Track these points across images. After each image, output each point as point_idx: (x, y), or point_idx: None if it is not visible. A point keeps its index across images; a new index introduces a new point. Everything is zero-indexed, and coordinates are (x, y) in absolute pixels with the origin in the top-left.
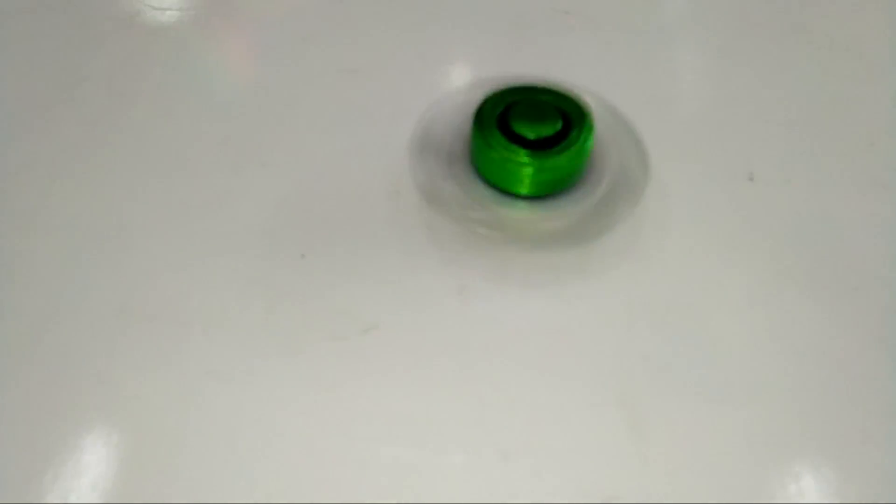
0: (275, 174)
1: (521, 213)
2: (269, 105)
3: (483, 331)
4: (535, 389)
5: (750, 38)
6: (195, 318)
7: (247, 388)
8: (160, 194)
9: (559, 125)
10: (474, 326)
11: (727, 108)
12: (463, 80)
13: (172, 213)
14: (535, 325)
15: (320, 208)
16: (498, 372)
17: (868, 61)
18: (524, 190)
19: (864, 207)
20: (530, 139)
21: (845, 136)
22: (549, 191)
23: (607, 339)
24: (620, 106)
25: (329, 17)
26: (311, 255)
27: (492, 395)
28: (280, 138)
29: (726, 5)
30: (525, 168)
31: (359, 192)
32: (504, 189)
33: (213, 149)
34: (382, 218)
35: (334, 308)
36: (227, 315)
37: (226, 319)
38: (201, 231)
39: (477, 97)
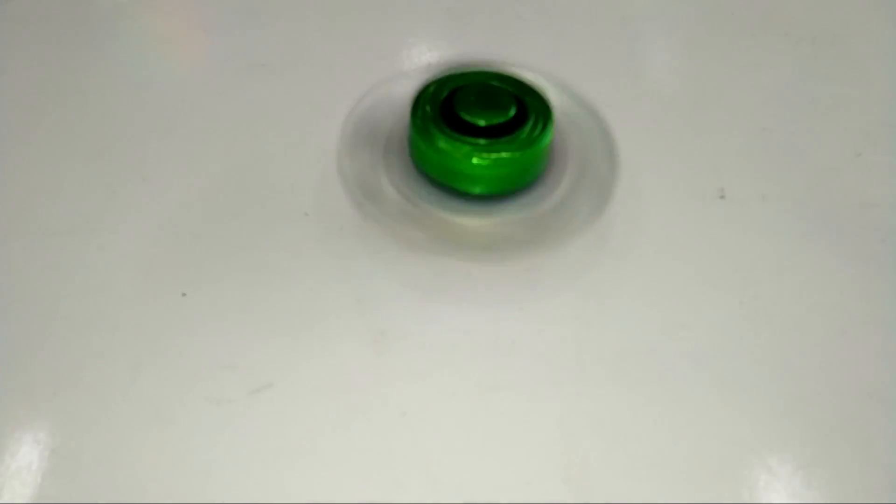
0: (157, 191)
1: (469, 217)
2: (155, 106)
3: (407, 385)
4: (467, 452)
5: (723, 28)
6: (41, 380)
7: (99, 470)
8: (10, 215)
9: (513, 111)
10: (395, 382)
11: (700, 96)
12: (399, 69)
13: (24, 242)
14: (476, 354)
15: (212, 231)
16: (423, 438)
17: (855, 58)
18: (473, 188)
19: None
20: (480, 127)
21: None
22: (501, 189)
23: (559, 378)
24: (584, 95)
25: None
26: (195, 293)
27: (414, 472)
28: (168, 146)
29: None
30: (473, 161)
31: (265, 209)
32: (449, 187)
33: (82, 162)
34: (294, 241)
35: (218, 362)
36: (81, 376)
37: (79, 381)
38: (59, 266)
39: (417, 86)
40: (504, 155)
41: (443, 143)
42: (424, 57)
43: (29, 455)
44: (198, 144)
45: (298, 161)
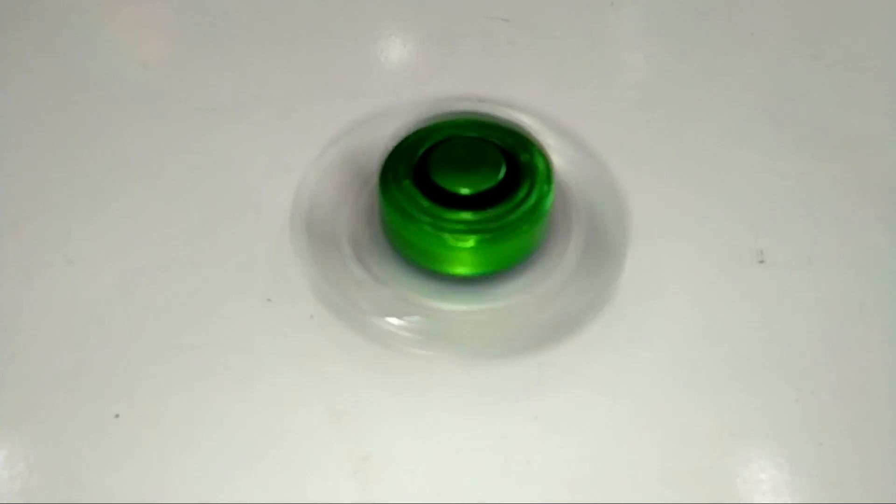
0: (83, 275)
1: (455, 305)
2: (83, 163)
3: None
4: None
5: (745, 55)
6: None
7: None
8: None
9: (502, 172)
10: None
11: (721, 136)
12: (370, 110)
13: None
14: (484, 477)
15: (152, 325)
16: None
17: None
18: (458, 270)
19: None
20: (463, 196)
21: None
22: (493, 268)
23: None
24: (585, 138)
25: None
26: (129, 412)
27: None
28: (97, 215)
29: (696, 9)
30: (456, 245)
31: (216, 294)
32: (430, 269)
33: None
34: (251, 335)
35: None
36: None
37: None
38: None
39: (387, 133)
40: (493, 233)
41: (416, 227)
42: (400, 94)
43: None
44: (134, 211)
45: (255, 229)
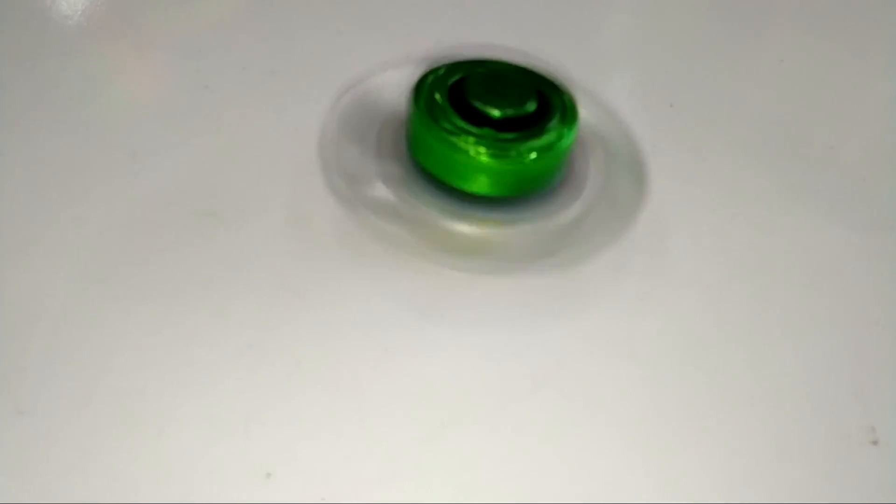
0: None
1: (473, 223)
2: (113, 98)
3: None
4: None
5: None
6: None
7: None
8: None
9: (532, 106)
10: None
11: (747, 119)
12: (400, 55)
13: None
14: (486, 382)
15: (173, 265)
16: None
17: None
18: (479, 188)
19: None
20: (493, 118)
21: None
22: (513, 192)
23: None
24: (612, 104)
25: None
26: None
27: None
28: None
29: None
30: (482, 156)
31: (236, 212)
32: (452, 186)
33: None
34: (273, 251)
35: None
36: None
37: None
38: None
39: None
40: (516, 153)
41: (445, 131)
42: (432, 42)
43: None
44: (162, 84)
45: (277, 150)
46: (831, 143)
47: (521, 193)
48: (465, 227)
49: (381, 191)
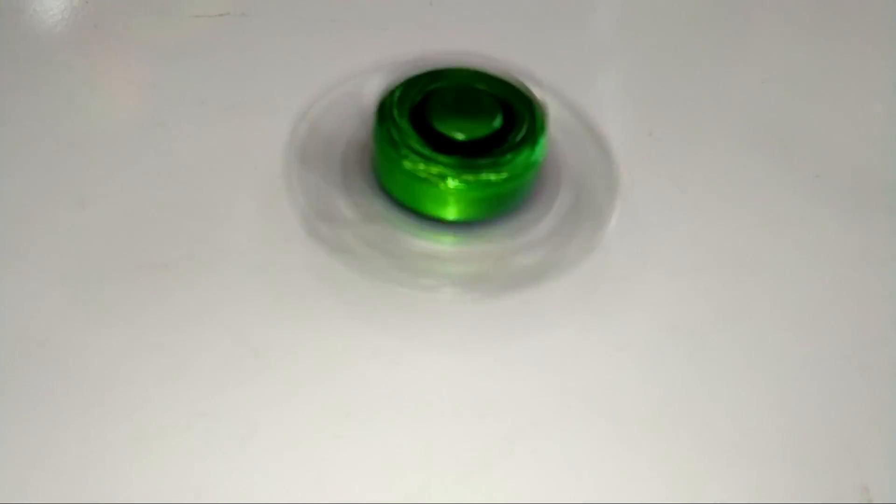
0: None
1: (443, 247)
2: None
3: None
4: None
5: (739, 32)
6: None
7: None
8: None
9: (498, 122)
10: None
11: (721, 116)
12: (362, 62)
13: None
14: (449, 412)
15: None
16: None
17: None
18: (448, 214)
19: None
20: (458, 141)
21: None
22: (481, 215)
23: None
24: (578, 99)
25: None
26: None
27: None
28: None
29: None
30: (449, 184)
31: (191, 262)
32: (420, 212)
33: None
34: (240, 266)
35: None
36: None
37: None
38: None
39: (382, 84)
40: (486, 177)
41: (409, 163)
42: (393, 50)
43: None
44: (111, 148)
45: (237, 192)
46: (817, 171)
47: (490, 216)
48: (433, 249)
49: (349, 228)
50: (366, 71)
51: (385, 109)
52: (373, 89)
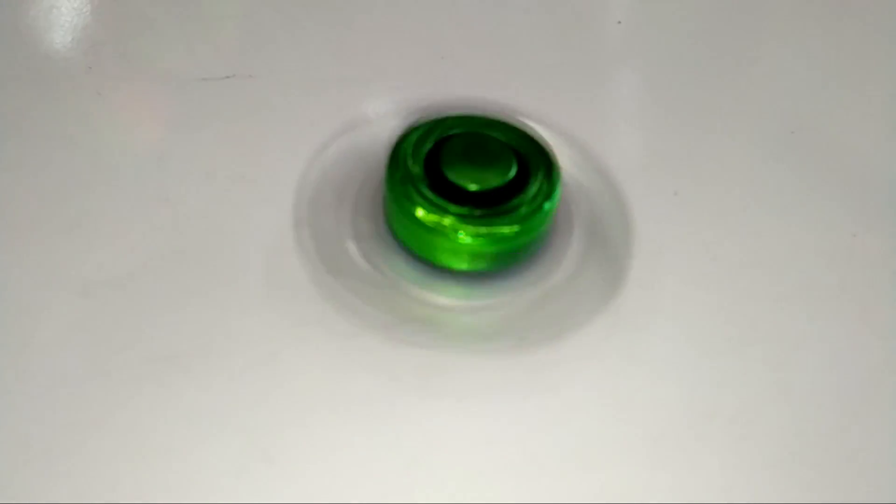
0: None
1: (452, 299)
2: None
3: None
4: None
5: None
6: None
7: None
8: None
9: (512, 172)
10: None
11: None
12: (375, 107)
13: None
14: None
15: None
16: None
17: None
18: (459, 265)
19: None
20: (470, 192)
21: None
22: (493, 267)
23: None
24: (593, 151)
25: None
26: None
27: None
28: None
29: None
30: (461, 238)
31: (200, 355)
32: (431, 263)
33: None
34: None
35: None
36: None
37: None
38: None
39: (394, 130)
40: (499, 230)
41: (422, 212)
42: (405, 96)
43: None
44: (114, 229)
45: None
46: (854, 231)
47: (502, 267)
48: (446, 303)
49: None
50: (377, 118)
51: (397, 157)
52: (385, 136)
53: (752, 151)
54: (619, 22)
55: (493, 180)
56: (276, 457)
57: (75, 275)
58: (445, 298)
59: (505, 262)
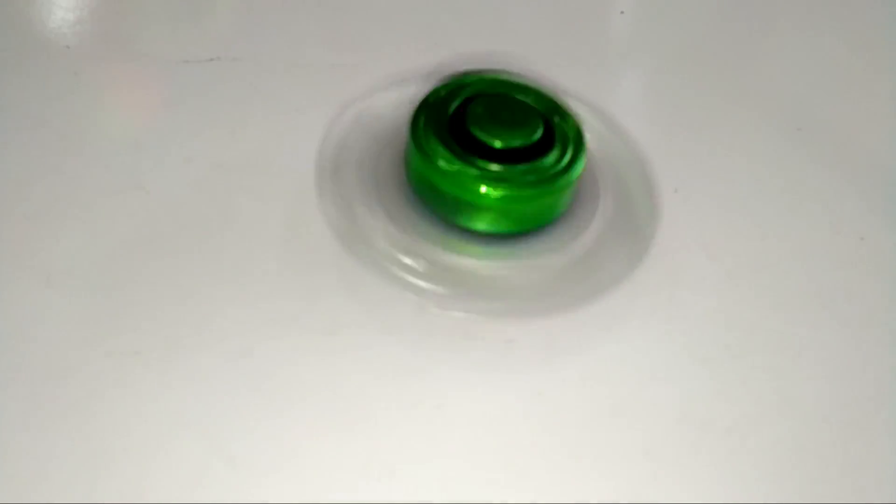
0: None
1: (474, 260)
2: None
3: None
4: None
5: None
6: None
7: None
8: None
9: (538, 134)
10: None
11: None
12: (397, 72)
13: None
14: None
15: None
16: None
17: None
18: (481, 225)
19: None
20: (496, 149)
21: None
22: (517, 228)
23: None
24: (616, 114)
25: None
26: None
27: None
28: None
29: None
30: (484, 192)
31: (165, 350)
32: (453, 222)
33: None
34: (220, 355)
35: None
36: None
37: None
38: None
39: (412, 97)
40: (522, 189)
41: (444, 163)
42: (430, 58)
43: None
44: (84, 216)
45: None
46: (861, 234)
47: (527, 228)
48: (471, 264)
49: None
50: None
51: (422, 111)
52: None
53: (757, 149)
54: (622, 12)
55: (518, 139)
56: (240, 459)
57: (39, 263)
58: (465, 260)
59: (526, 224)
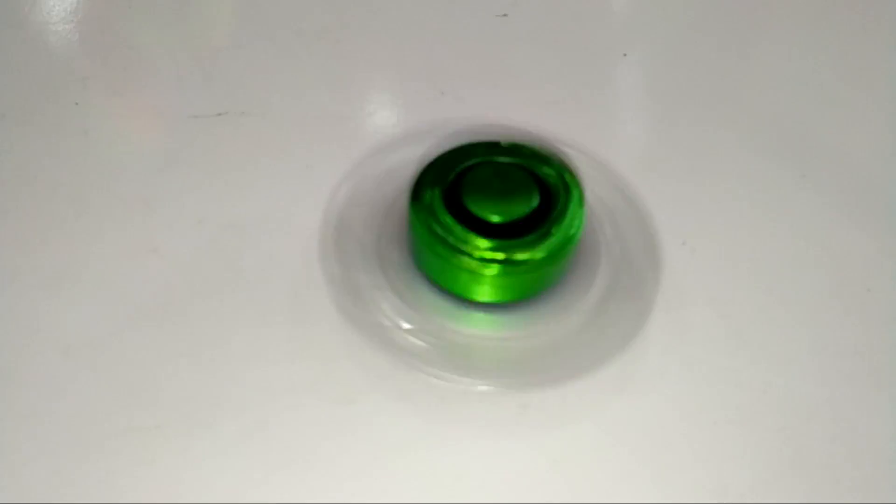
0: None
1: (479, 329)
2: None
3: None
4: None
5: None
6: None
7: None
8: None
9: (535, 201)
10: None
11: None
12: (393, 132)
13: None
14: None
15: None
16: None
17: None
18: (483, 297)
19: None
20: (493, 223)
21: None
22: (519, 297)
23: None
24: (617, 167)
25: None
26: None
27: None
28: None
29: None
30: (486, 267)
31: (185, 424)
32: (456, 294)
33: None
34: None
35: None
36: None
37: None
38: None
39: (415, 156)
40: (521, 257)
41: (442, 249)
42: (435, 108)
43: None
44: (98, 283)
45: (282, 249)
46: (868, 285)
47: (529, 296)
48: (469, 332)
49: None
50: (399, 141)
51: (419, 192)
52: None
53: (761, 198)
54: (625, 54)
55: (516, 210)
56: None
57: (57, 334)
58: (469, 330)
59: (526, 293)
